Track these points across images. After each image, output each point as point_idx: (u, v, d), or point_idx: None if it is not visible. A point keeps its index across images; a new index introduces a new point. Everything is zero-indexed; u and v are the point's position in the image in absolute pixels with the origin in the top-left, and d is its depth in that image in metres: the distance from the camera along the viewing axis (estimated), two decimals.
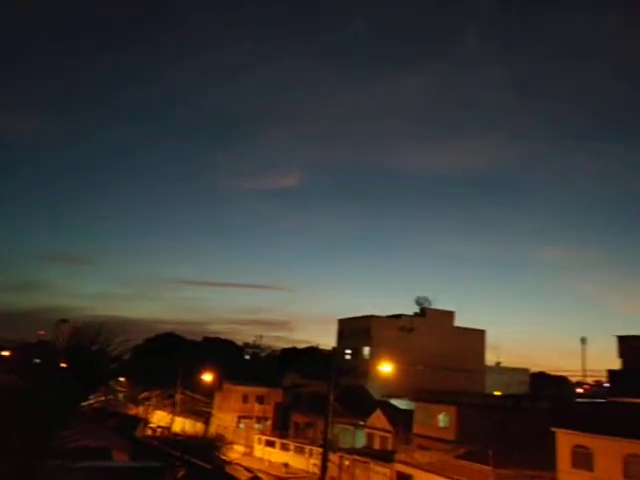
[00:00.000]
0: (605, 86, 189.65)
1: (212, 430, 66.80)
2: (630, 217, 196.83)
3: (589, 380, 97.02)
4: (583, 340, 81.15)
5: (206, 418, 69.77)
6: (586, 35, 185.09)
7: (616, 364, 63.57)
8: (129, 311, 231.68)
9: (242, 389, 70.43)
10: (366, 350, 76.05)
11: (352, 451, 48.91)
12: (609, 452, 30.72)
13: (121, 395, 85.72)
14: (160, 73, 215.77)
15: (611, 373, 62.93)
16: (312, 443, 53.88)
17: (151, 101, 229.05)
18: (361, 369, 72.94)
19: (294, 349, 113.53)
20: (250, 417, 69.07)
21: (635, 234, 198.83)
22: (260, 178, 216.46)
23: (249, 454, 59.83)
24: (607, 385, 66.88)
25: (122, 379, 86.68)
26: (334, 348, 38.60)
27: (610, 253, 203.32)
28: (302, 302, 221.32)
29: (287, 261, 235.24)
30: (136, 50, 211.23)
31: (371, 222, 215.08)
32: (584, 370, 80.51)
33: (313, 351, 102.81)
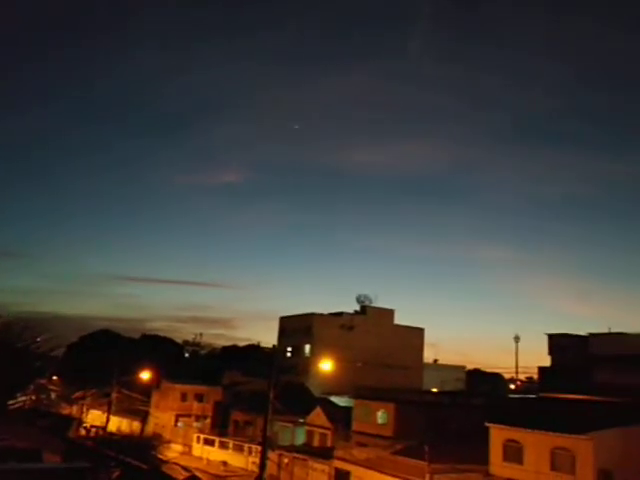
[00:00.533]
0: (537, 94, 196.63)
1: (149, 429, 65.62)
2: (564, 220, 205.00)
3: (521, 376, 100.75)
4: (517, 338, 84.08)
5: (143, 417, 68.42)
6: (529, 42, 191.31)
7: (547, 361, 66.40)
8: (65, 307, 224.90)
9: (181, 387, 69.40)
10: (307, 348, 76.34)
11: (291, 448, 48.98)
12: (538, 445, 31.93)
13: (54, 394, 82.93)
14: (105, 72, 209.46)
15: (541, 370, 65.67)
16: (251, 441, 53.60)
17: (97, 99, 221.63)
18: (302, 367, 73.20)
19: (235, 347, 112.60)
20: (189, 416, 68.15)
21: (568, 236, 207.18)
22: (203, 175, 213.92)
23: (187, 453, 58.99)
24: (538, 381, 69.80)
25: (55, 378, 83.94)
26: (274, 346, 38.46)
27: (544, 254, 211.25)
28: (244, 300, 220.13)
29: (229, 258, 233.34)
30: (82, 48, 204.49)
31: (314, 220, 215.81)
32: (517, 367, 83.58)
33: (254, 349, 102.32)
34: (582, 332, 63.52)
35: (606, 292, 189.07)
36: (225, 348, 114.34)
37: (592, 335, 61.38)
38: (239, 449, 54.42)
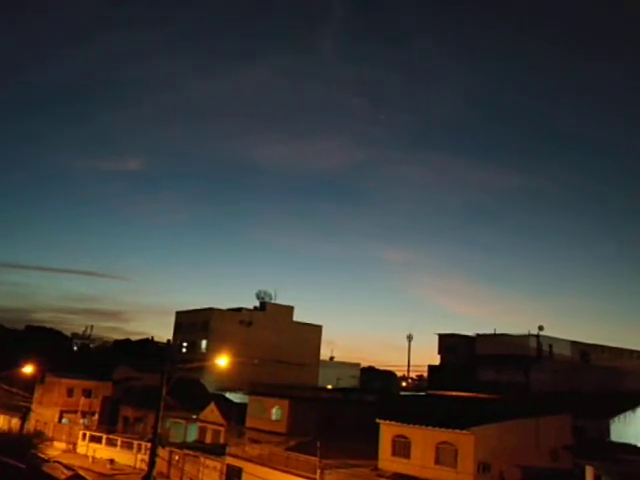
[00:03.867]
0: (444, 101, 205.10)
1: (30, 426, 62.02)
2: (460, 226, 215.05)
3: (413, 374, 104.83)
4: (409, 337, 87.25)
5: (24, 413, 64.44)
6: (429, 49, 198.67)
7: (437, 359, 69.41)
8: None
9: (67, 382, 66.00)
10: (204, 343, 75.22)
11: (183, 445, 48.01)
12: (424, 441, 33.17)
13: None
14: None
15: (430, 368, 68.61)
16: (141, 438, 51.96)
17: None
18: (198, 362, 71.87)
19: (128, 341, 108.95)
20: (75, 412, 64.90)
21: (461, 241, 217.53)
22: (103, 160, 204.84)
23: (71, 451, 56.22)
24: (427, 379, 72.75)
25: None
26: (169, 340, 37.50)
27: (439, 258, 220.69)
28: (138, 292, 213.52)
29: (126, 249, 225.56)
30: None
31: (214, 213, 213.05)
32: (409, 365, 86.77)
33: (148, 343, 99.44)
34: (470, 332, 66.95)
35: (493, 295, 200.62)
36: (117, 342, 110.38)
37: (479, 336, 64.83)
38: (128, 446, 52.57)
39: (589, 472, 26.62)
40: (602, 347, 64.42)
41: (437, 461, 32.46)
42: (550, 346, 61.63)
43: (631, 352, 64.47)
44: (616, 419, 45.04)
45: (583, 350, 63.72)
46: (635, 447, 39.38)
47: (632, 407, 47.18)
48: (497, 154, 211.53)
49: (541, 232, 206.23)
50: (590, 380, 58.06)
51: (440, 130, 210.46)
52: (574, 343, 63.44)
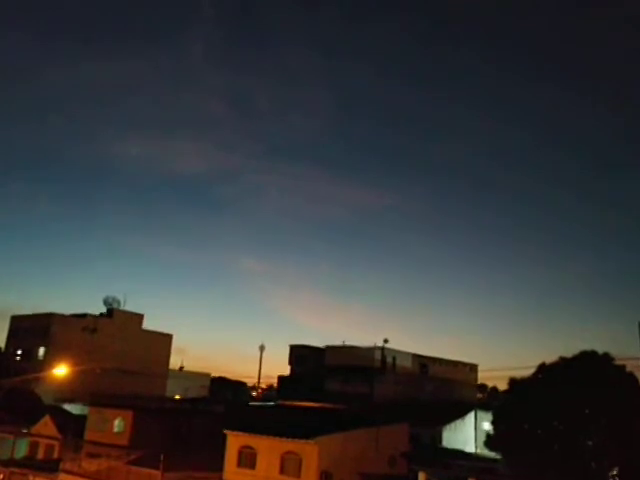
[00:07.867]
0: (313, 112, 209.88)
1: None
2: (317, 238, 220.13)
3: (263, 385, 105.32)
4: (262, 347, 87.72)
5: None
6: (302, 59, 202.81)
7: (288, 370, 70.49)
8: None
9: None
10: (41, 351, 70.03)
11: (9, 463, 44.24)
12: (270, 451, 33.53)
13: None
14: None
15: (280, 378, 69.65)
16: None
17: None
18: (34, 371, 66.81)
19: None
20: None
21: (316, 254, 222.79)
22: None
23: None
24: (277, 389, 73.66)
25: None
26: (0, 347, 34.74)
27: (293, 269, 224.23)
28: None
29: None
30: None
31: (59, 211, 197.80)
32: (260, 375, 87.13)
33: None
34: (321, 344, 68.85)
35: (345, 308, 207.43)
36: None
37: (328, 347, 66.89)
38: None
39: (421, 477, 28.51)
40: (439, 360, 69.27)
41: (282, 471, 32.95)
42: (394, 358, 65.11)
43: (463, 364, 70.00)
44: (447, 427, 48.75)
45: (422, 362, 68.06)
46: (462, 452, 42.91)
47: (461, 415, 51.39)
48: (363, 171, 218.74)
49: (394, 249, 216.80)
50: (427, 390, 62.25)
51: (305, 142, 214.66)
52: (415, 356, 67.56)
